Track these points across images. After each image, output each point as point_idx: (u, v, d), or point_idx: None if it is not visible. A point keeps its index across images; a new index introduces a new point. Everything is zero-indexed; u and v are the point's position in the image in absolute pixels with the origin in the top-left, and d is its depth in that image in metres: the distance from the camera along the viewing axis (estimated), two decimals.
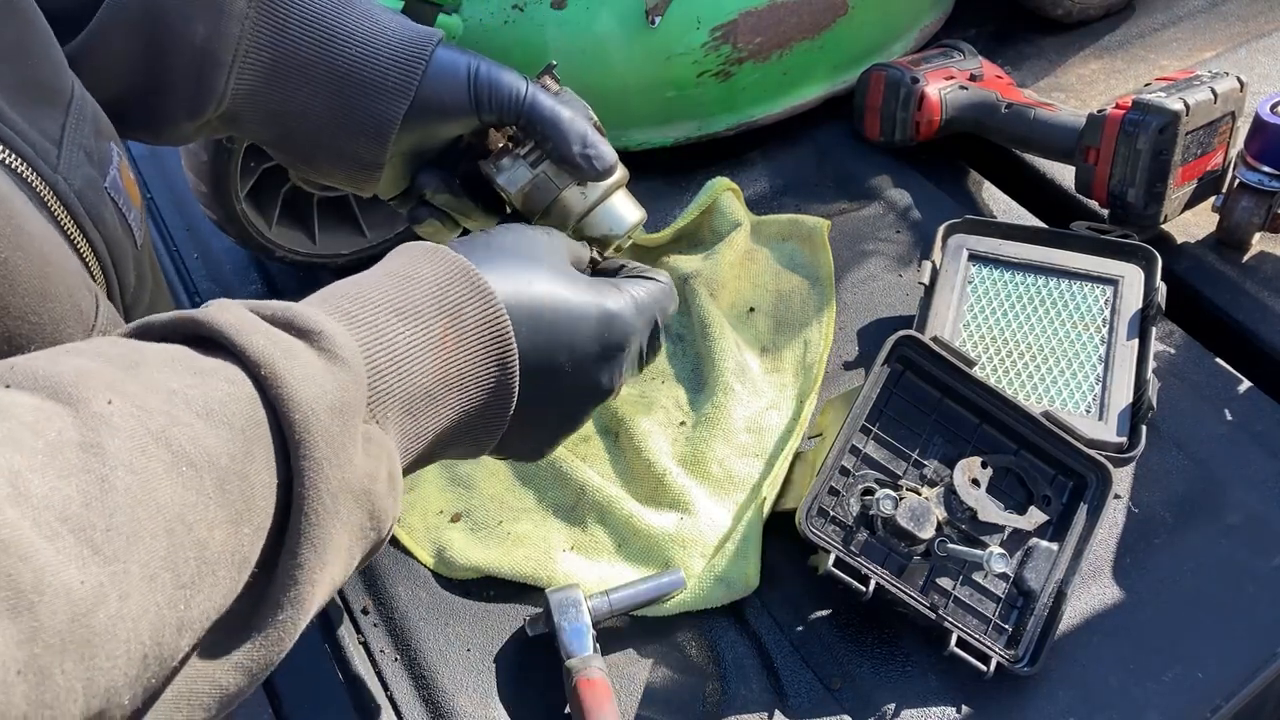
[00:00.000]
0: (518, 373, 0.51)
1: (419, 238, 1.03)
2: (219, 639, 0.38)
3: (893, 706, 0.70)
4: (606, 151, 0.62)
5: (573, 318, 0.54)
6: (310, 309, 0.43)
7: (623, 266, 0.62)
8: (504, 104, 0.61)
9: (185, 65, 0.58)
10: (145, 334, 0.41)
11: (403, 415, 0.46)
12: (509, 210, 0.66)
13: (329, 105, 0.60)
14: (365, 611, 0.76)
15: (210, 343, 0.40)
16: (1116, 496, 0.79)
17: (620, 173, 0.65)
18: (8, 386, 0.34)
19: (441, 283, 0.49)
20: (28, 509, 0.30)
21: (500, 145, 0.64)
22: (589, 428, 0.86)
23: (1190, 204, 0.96)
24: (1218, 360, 0.89)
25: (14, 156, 0.48)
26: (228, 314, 0.41)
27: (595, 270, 0.62)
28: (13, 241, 0.42)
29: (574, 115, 0.62)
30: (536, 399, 0.53)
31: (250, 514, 0.37)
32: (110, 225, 0.55)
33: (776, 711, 0.70)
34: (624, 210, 0.65)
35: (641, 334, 0.58)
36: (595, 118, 0.65)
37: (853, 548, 0.72)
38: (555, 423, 0.57)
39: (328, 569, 0.40)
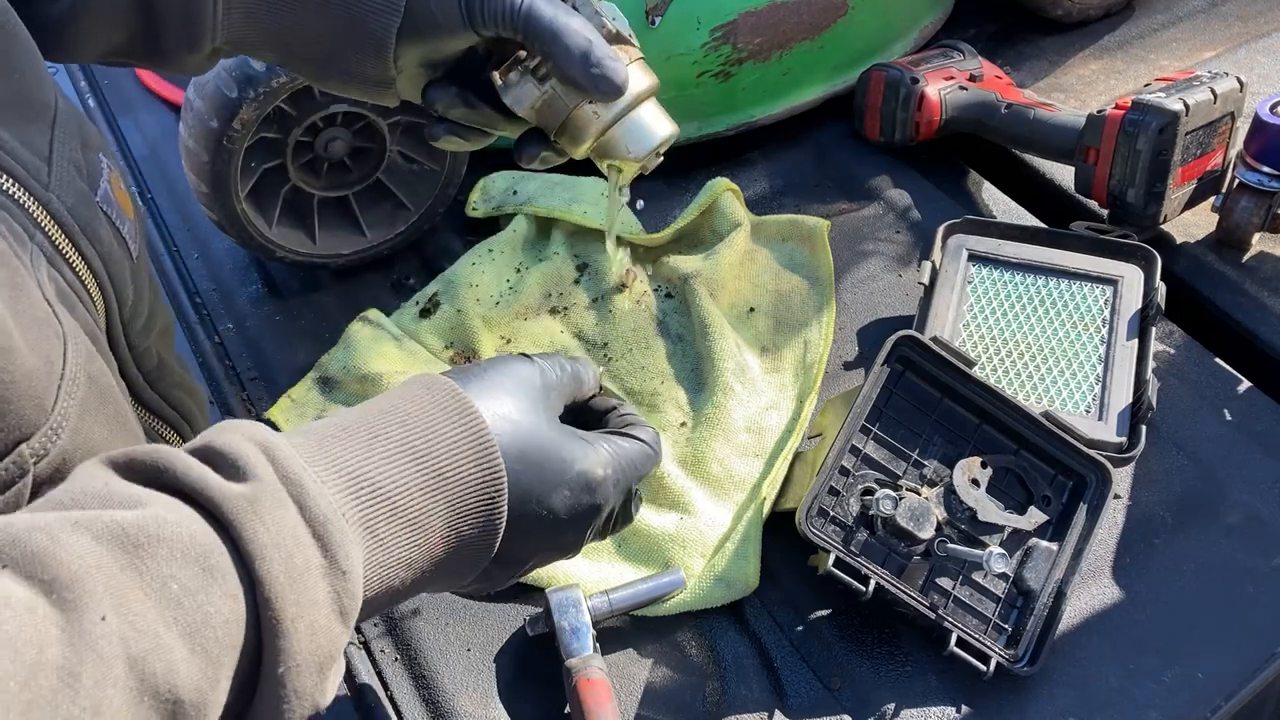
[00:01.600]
0: (479, 572, 0.51)
1: (417, 237, 1.03)
2: None
3: (892, 706, 0.70)
4: (614, 69, 0.56)
5: (546, 483, 0.51)
6: (343, 530, 0.42)
7: (615, 408, 0.59)
8: (498, 16, 0.56)
9: (172, 2, 0.56)
10: (170, 483, 0.40)
11: (366, 614, 0.46)
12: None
13: (322, 24, 0.58)
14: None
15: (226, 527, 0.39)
16: (1116, 496, 0.79)
17: (646, 84, 0.58)
18: (4, 566, 0.34)
19: (464, 494, 0.47)
20: None
21: (512, 56, 0.58)
22: None
23: (1190, 204, 0.96)
24: (1217, 360, 0.89)
25: (6, 179, 0.47)
26: (264, 520, 0.39)
27: (588, 404, 0.59)
28: None
29: (579, 26, 0.56)
30: (497, 559, 0.52)
31: None
32: (105, 240, 0.54)
33: (776, 711, 0.70)
34: (649, 127, 0.59)
35: (615, 501, 0.56)
36: (614, 23, 0.59)
37: (853, 547, 0.72)
38: (503, 570, 0.54)
39: None
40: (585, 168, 1.05)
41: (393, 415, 0.48)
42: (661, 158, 0.62)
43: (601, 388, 0.59)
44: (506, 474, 0.49)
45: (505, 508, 0.49)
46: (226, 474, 0.40)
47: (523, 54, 0.58)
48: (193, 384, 0.69)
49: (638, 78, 0.58)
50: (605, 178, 0.64)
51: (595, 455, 0.53)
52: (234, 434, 0.42)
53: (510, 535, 0.50)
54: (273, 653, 0.39)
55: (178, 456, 0.40)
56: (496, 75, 0.59)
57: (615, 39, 0.58)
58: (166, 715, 0.36)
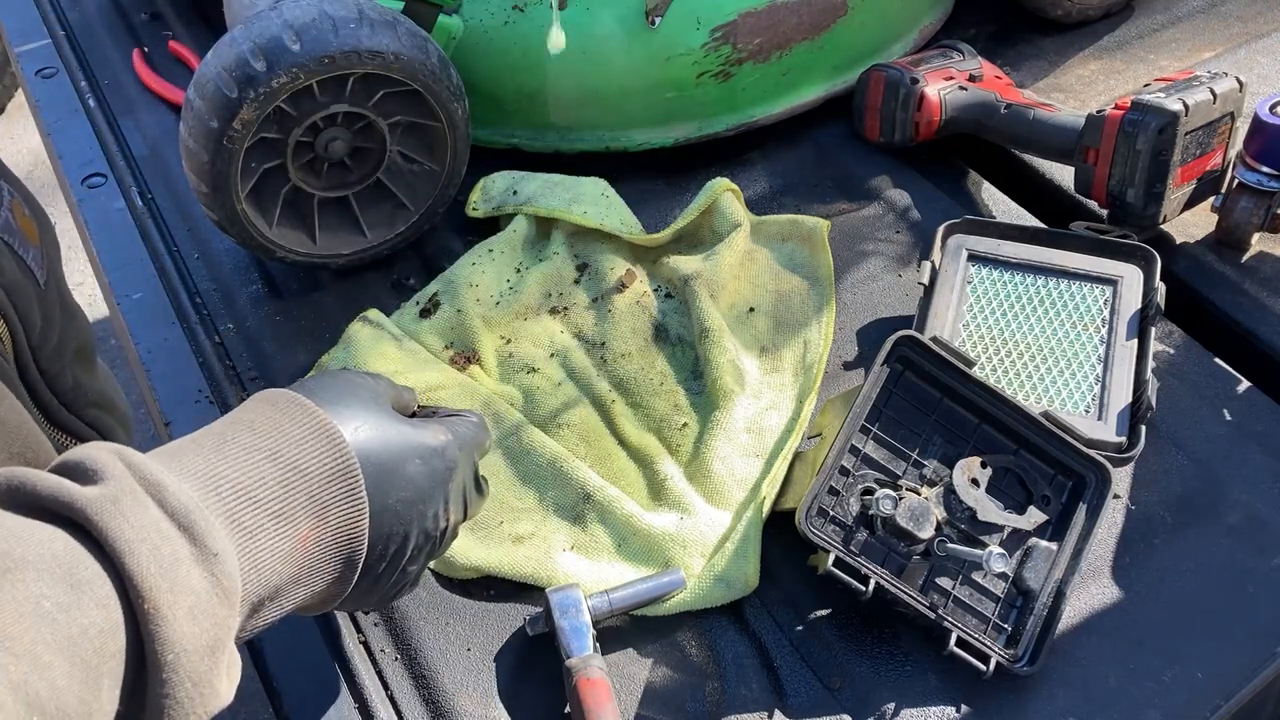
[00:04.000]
0: (361, 567, 0.52)
1: (417, 237, 1.03)
2: None
3: (892, 706, 0.70)
4: None
5: (399, 458, 0.55)
6: (207, 517, 0.42)
7: (434, 412, 0.64)
8: None
9: None
10: (26, 500, 0.40)
11: (248, 614, 0.46)
12: None
13: None
14: (365, 611, 0.76)
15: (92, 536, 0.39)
16: (1116, 496, 0.79)
17: None
18: None
19: (323, 480, 0.49)
20: None
21: None
22: (589, 428, 0.86)
23: (1189, 204, 0.96)
24: (1217, 360, 0.89)
25: None
26: (125, 517, 0.39)
27: (414, 415, 0.63)
28: None
29: None
30: (373, 550, 0.54)
31: None
32: (8, 271, 0.55)
33: (776, 711, 0.70)
34: None
35: (464, 469, 0.60)
36: None
37: (852, 547, 0.72)
38: (385, 572, 0.56)
39: None
40: (585, 168, 1.05)
41: (239, 424, 0.50)
42: None
43: (419, 406, 0.65)
44: (359, 460, 0.51)
45: (364, 492, 0.51)
46: (82, 480, 0.41)
47: None
48: (113, 400, 0.70)
49: None
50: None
51: (433, 428, 0.59)
52: (89, 448, 0.43)
53: (378, 519, 0.53)
54: (154, 642, 0.39)
55: (31, 473, 0.40)
56: None
57: None
58: None
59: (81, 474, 0.41)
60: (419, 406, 0.65)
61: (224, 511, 0.45)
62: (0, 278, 0.55)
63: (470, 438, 0.62)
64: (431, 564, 0.78)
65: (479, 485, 0.64)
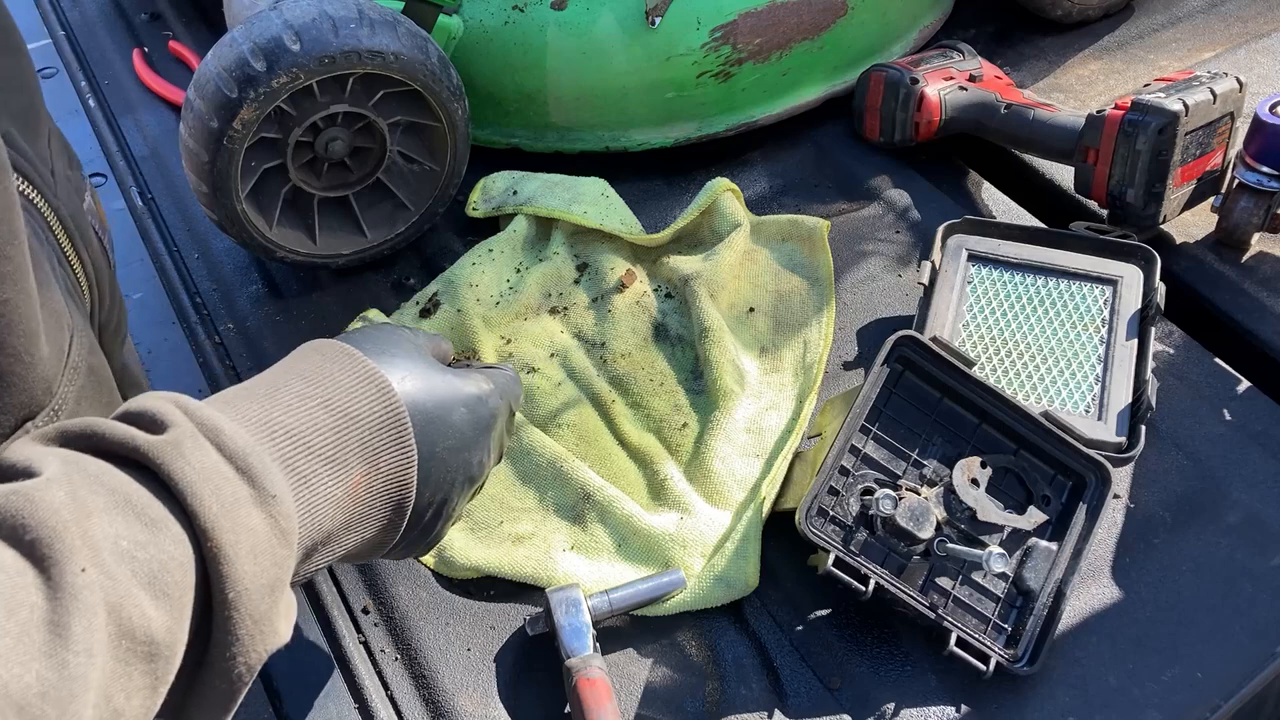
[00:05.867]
0: (410, 512, 0.54)
1: (417, 237, 1.03)
2: None
3: (892, 706, 0.70)
4: None
5: (445, 406, 0.56)
6: (265, 461, 0.44)
7: (470, 364, 0.66)
8: None
9: None
10: (100, 445, 0.42)
11: (302, 557, 0.47)
12: None
13: None
14: (365, 611, 0.76)
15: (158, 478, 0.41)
16: (1116, 496, 0.79)
17: None
18: None
19: (374, 427, 0.51)
20: None
21: None
22: (589, 428, 0.86)
23: (1189, 204, 0.96)
24: (1217, 360, 0.89)
25: (28, 185, 0.50)
26: (188, 460, 0.41)
27: (451, 365, 0.65)
28: (19, 286, 0.44)
29: None
30: (419, 498, 0.55)
31: (168, 676, 0.39)
32: (94, 247, 0.58)
33: (776, 711, 0.70)
34: None
35: (503, 417, 0.62)
36: None
37: (852, 547, 0.72)
38: (429, 518, 0.58)
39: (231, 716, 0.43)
40: (585, 168, 1.05)
41: (291, 373, 0.51)
42: None
43: (455, 356, 0.67)
44: (406, 409, 0.52)
45: (413, 439, 0.52)
46: (147, 428, 0.42)
47: None
48: (145, 385, 0.73)
49: None
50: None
51: (475, 378, 0.61)
52: (150, 397, 0.44)
53: (426, 464, 0.54)
54: (219, 580, 0.40)
55: (102, 422, 0.42)
56: None
57: None
58: (143, 658, 0.38)
59: (147, 422, 0.43)
60: (456, 357, 0.67)
61: (279, 456, 0.46)
62: (90, 250, 0.57)
63: (508, 387, 0.64)
64: (431, 564, 0.79)
65: (511, 430, 0.66)
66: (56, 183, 0.55)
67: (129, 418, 0.43)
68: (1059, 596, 0.71)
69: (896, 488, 0.73)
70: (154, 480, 0.41)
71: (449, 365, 0.64)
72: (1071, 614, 0.74)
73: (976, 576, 0.73)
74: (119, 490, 0.40)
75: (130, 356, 0.70)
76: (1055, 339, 0.86)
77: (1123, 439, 0.80)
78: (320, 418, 0.49)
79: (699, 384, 0.88)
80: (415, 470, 0.53)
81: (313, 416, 0.48)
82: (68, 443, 0.42)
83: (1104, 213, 0.98)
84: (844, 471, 0.74)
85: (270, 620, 0.42)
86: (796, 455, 0.82)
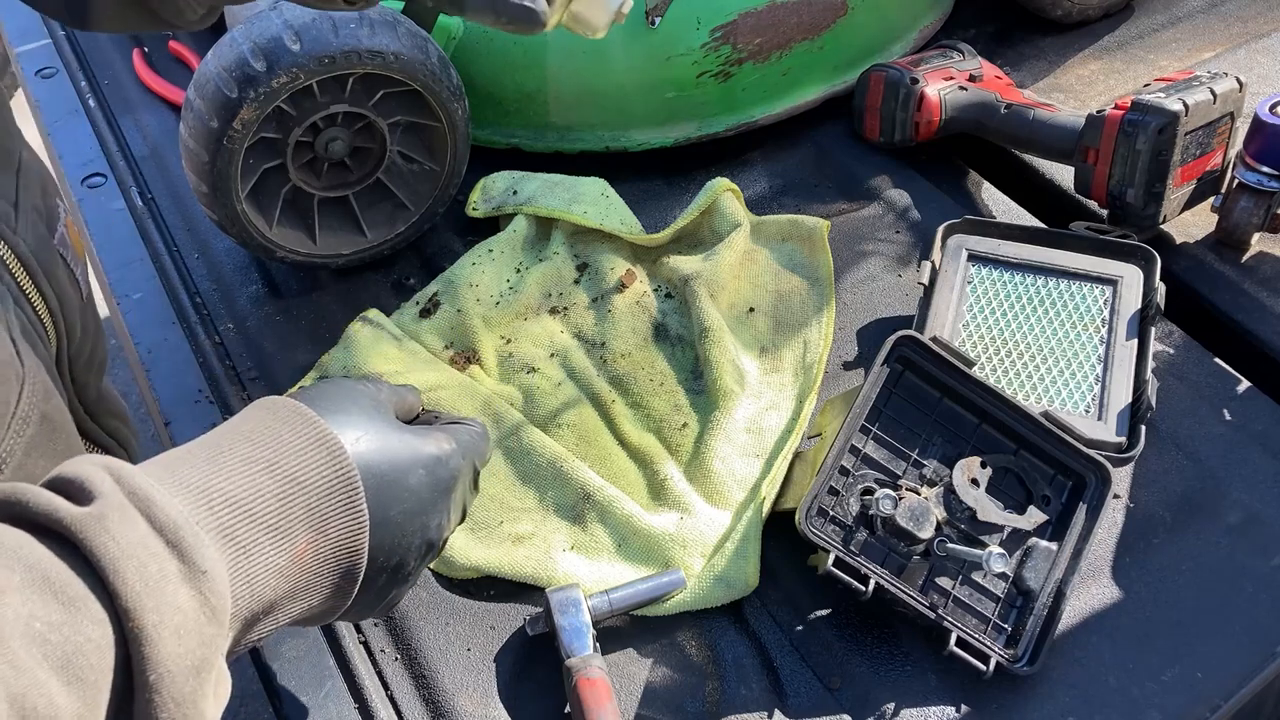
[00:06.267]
0: (361, 579, 0.52)
1: (417, 237, 1.03)
2: None
3: (892, 706, 0.70)
4: None
5: (401, 469, 0.54)
6: (197, 534, 0.42)
7: (438, 417, 0.63)
8: None
9: None
10: (22, 514, 0.40)
11: (240, 630, 0.46)
12: None
13: None
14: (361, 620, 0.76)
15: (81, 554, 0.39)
16: (1116, 496, 0.79)
17: None
18: None
19: (322, 492, 0.48)
20: None
21: None
22: (589, 428, 0.86)
23: (1189, 204, 0.96)
24: (1217, 360, 0.89)
25: None
26: (112, 534, 0.39)
27: (415, 421, 0.63)
28: None
29: None
30: (372, 565, 0.53)
31: None
32: (61, 281, 0.56)
33: (776, 711, 0.70)
34: None
35: (465, 477, 0.59)
36: None
37: (852, 547, 0.72)
38: (384, 583, 0.55)
39: None
40: (585, 168, 1.05)
41: (237, 435, 0.49)
42: (625, 15, 0.65)
43: (422, 410, 0.64)
44: (360, 472, 0.50)
45: (364, 504, 0.50)
46: (74, 498, 0.41)
47: None
48: (124, 411, 0.71)
49: None
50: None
51: (437, 437, 0.58)
52: (82, 462, 0.42)
53: (380, 530, 0.52)
54: (140, 662, 0.39)
55: (27, 489, 0.40)
56: None
57: None
58: None
59: (75, 490, 0.41)
60: (423, 410, 0.64)
61: (217, 526, 0.44)
62: (56, 286, 0.56)
63: (473, 445, 0.61)
64: (431, 564, 0.78)
65: (475, 486, 0.63)
66: (19, 216, 0.53)
67: (57, 484, 0.42)
68: (1059, 596, 0.71)
69: (896, 488, 0.73)
70: (76, 555, 0.39)
71: (415, 419, 0.62)
72: (1071, 614, 0.74)
73: (976, 576, 0.73)
74: (37, 566, 0.38)
75: (108, 387, 0.68)
76: (1055, 339, 0.86)
77: (1123, 439, 0.80)
78: (264, 483, 0.46)
79: (699, 384, 0.88)
80: (366, 536, 0.51)
81: (256, 482, 0.46)
82: None
83: (1104, 213, 0.98)
84: (844, 471, 0.74)
85: (194, 702, 0.40)
86: (796, 455, 0.82)
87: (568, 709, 0.70)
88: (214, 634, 0.41)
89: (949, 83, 1.06)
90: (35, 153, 0.59)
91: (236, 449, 0.48)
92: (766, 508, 0.79)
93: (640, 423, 0.86)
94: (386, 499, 0.53)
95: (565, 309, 0.94)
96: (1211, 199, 0.98)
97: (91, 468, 0.42)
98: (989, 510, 0.73)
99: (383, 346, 0.90)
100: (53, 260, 0.56)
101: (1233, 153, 0.96)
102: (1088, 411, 0.82)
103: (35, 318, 0.54)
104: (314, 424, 0.50)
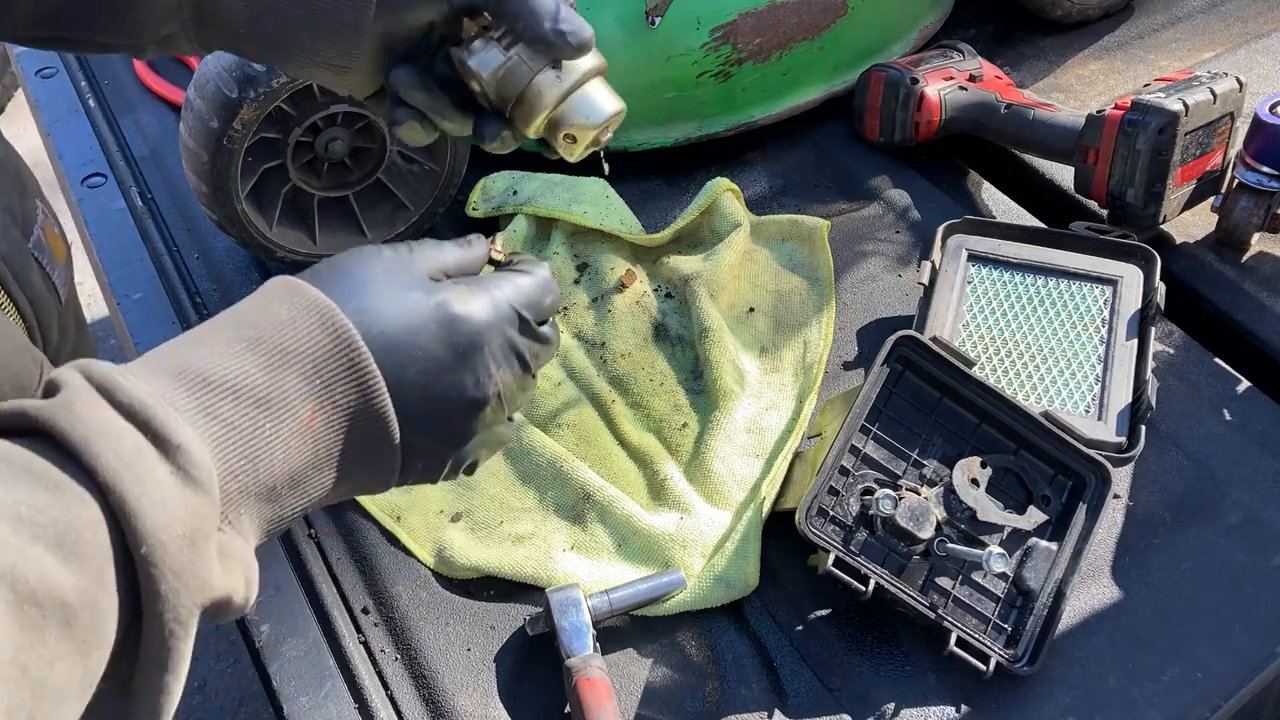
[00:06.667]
0: (397, 438, 0.49)
1: (417, 237, 1.03)
2: None
3: (892, 706, 0.70)
4: (581, 25, 0.58)
5: (423, 330, 0.51)
6: (167, 411, 0.41)
7: (510, 262, 0.59)
8: None
9: None
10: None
11: (261, 505, 0.45)
12: (485, 105, 0.62)
13: None
14: (365, 611, 0.76)
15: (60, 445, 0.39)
16: (1116, 496, 0.79)
17: (597, 60, 0.61)
18: None
19: (317, 359, 0.47)
20: None
21: (474, 32, 0.61)
22: (590, 428, 0.86)
23: (1189, 204, 0.96)
24: (1217, 360, 0.89)
25: None
26: (80, 416, 0.39)
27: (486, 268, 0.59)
28: None
29: None
30: (412, 429, 0.51)
31: (98, 640, 0.37)
32: (35, 286, 0.56)
33: (776, 711, 0.70)
34: (600, 100, 0.61)
35: (499, 331, 0.54)
36: None
37: (852, 547, 0.72)
38: (443, 443, 0.54)
39: (183, 677, 0.41)
40: (585, 168, 1.05)
41: (225, 318, 0.48)
42: (610, 135, 0.64)
43: (583, 147, 0.61)
44: (363, 335, 0.48)
45: (372, 366, 0.48)
46: (46, 394, 0.41)
47: (484, 29, 0.60)
48: None
49: (589, 54, 0.61)
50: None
51: (461, 291, 0.53)
52: (56, 370, 0.42)
53: (401, 393, 0.49)
54: (131, 536, 0.38)
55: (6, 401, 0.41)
56: (459, 49, 0.60)
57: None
58: (58, 622, 0.36)
59: (46, 389, 0.41)
60: (499, 259, 0.60)
61: (195, 406, 0.43)
62: (29, 289, 0.55)
63: (517, 295, 0.55)
64: (431, 564, 0.78)
65: (539, 335, 0.57)
66: None
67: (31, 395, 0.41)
68: (1059, 596, 0.71)
69: (896, 488, 0.73)
70: (51, 443, 0.39)
71: (494, 265, 0.58)
72: (1071, 614, 0.74)
73: (976, 576, 0.73)
74: (15, 460, 0.38)
75: None
76: (1055, 339, 0.86)
77: (1123, 439, 0.80)
78: (246, 359, 0.45)
79: (699, 384, 0.88)
80: (386, 398, 0.48)
81: (238, 360, 0.45)
82: None
83: (1104, 213, 0.98)
84: (844, 471, 0.74)
85: (194, 572, 0.40)
86: (796, 455, 0.82)
87: (568, 709, 0.70)
88: (201, 504, 0.41)
89: (949, 83, 1.06)
90: (15, 152, 0.57)
91: (220, 331, 0.47)
92: (766, 508, 0.79)
93: (640, 423, 0.86)
94: (399, 360, 0.50)
95: (565, 309, 0.94)
96: (1211, 199, 0.98)
97: (63, 370, 0.42)
98: (989, 510, 0.73)
99: None
100: (25, 265, 0.55)
101: (1233, 153, 0.96)
102: (1088, 411, 0.82)
103: (3, 319, 0.54)
104: (304, 293, 0.48)
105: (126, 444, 0.39)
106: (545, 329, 0.57)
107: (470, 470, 0.56)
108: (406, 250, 0.54)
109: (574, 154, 0.62)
